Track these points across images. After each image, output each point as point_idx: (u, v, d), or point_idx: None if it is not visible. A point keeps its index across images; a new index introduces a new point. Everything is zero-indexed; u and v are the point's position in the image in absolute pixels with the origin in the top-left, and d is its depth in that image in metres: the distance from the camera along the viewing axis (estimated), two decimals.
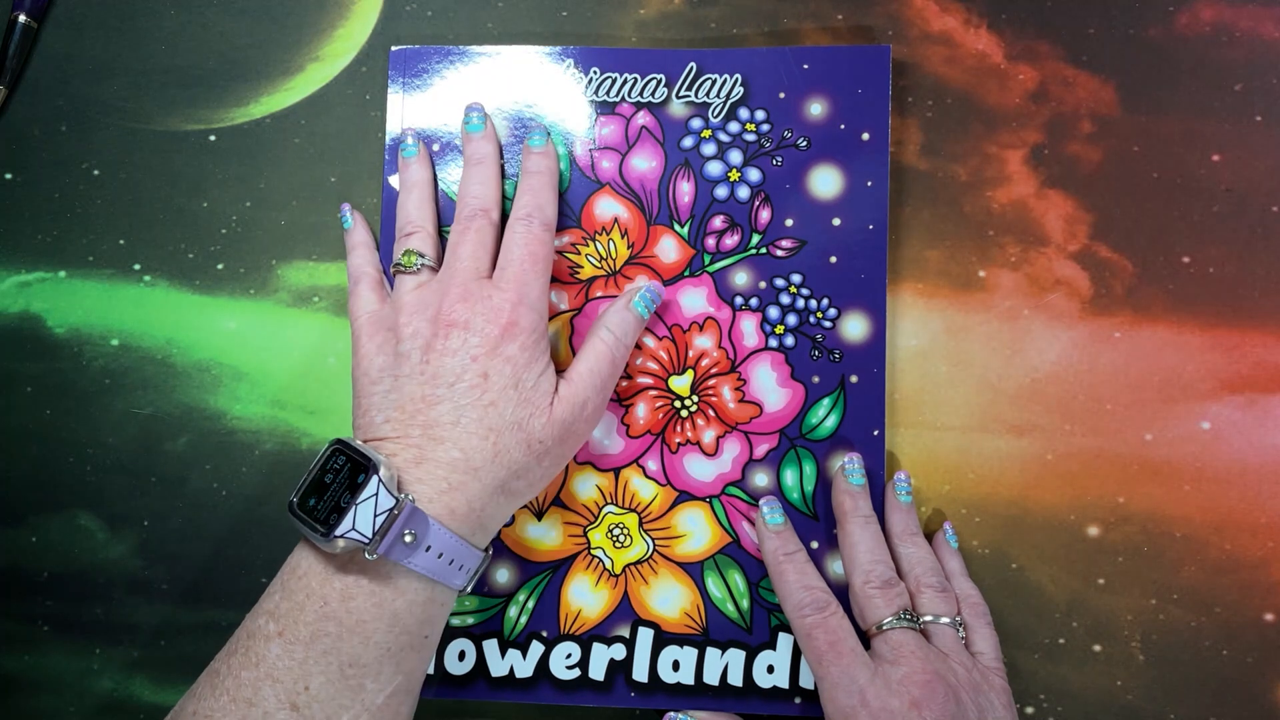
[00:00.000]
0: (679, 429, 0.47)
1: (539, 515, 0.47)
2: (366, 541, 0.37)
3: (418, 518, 0.38)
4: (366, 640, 0.38)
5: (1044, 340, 0.48)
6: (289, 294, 0.50)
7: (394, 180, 0.48)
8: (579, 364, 0.43)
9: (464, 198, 0.45)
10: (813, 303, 0.47)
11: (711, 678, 0.46)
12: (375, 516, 0.37)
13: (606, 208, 0.48)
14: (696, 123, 0.48)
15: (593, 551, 0.47)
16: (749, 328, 0.47)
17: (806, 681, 0.46)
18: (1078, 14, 0.49)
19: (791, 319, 0.47)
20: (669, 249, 0.48)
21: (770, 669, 0.46)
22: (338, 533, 0.37)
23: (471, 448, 0.39)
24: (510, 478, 0.40)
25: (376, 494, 0.37)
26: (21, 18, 0.50)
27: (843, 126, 0.47)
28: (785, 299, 0.47)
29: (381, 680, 0.38)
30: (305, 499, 0.38)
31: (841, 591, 0.45)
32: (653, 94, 0.48)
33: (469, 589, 0.42)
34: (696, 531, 0.47)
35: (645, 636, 0.47)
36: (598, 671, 0.47)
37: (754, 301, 0.47)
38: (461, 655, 0.47)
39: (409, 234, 0.46)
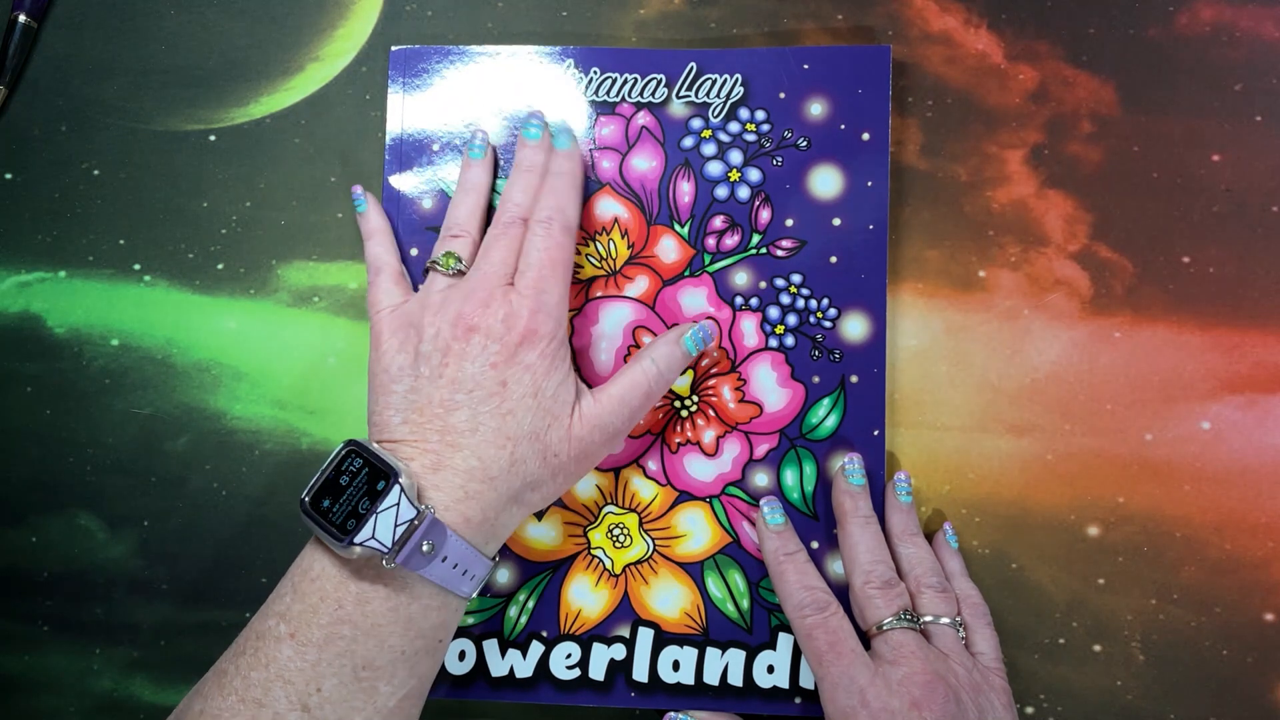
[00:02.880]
0: (679, 429, 0.47)
1: (539, 515, 0.47)
2: (386, 551, 0.37)
3: (436, 528, 0.38)
4: (381, 644, 0.38)
5: (1044, 340, 0.48)
6: (289, 294, 0.50)
7: (395, 180, 0.48)
8: (611, 388, 0.43)
9: (506, 203, 0.45)
10: (813, 303, 0.47)
11: (711, 678, 0.46)
12: (396, 526, 0.37)
13: (606, 208, 0.48)
14: (696, 123, 0.48)
15: (593, 551, 0.47)
16: (749, 328, 0.47)
17: (806, 681, 0.46)
18: (1078, 14, 0.49)
19: (791, 319, 0.47)
20: (669, 249, 0.48)
21: (770, 669, 0.46)
22: (356, 540, 0.37)
23: (489, 456, 0.39)
24: (525, 488, 0.40)
25: (398, 504, 0.37)
26: (21, 18, 0.50)
27: (843, 126, 0.47)
28: (785, 299, 0.47)
29: (395, 683, 0.38)
30: (318, 499, 0.38)
31: (841, 591, 0.45)
32: (653, 94, 0.48)
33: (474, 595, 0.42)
34: (696, 531, 0.47)
35: (645, 636, 0.47)
36: (598, 671, 0.47)
37: (754, 301, 0.47)
38: (461, 655, 0.47)
39: (455, 236, 0.45)
